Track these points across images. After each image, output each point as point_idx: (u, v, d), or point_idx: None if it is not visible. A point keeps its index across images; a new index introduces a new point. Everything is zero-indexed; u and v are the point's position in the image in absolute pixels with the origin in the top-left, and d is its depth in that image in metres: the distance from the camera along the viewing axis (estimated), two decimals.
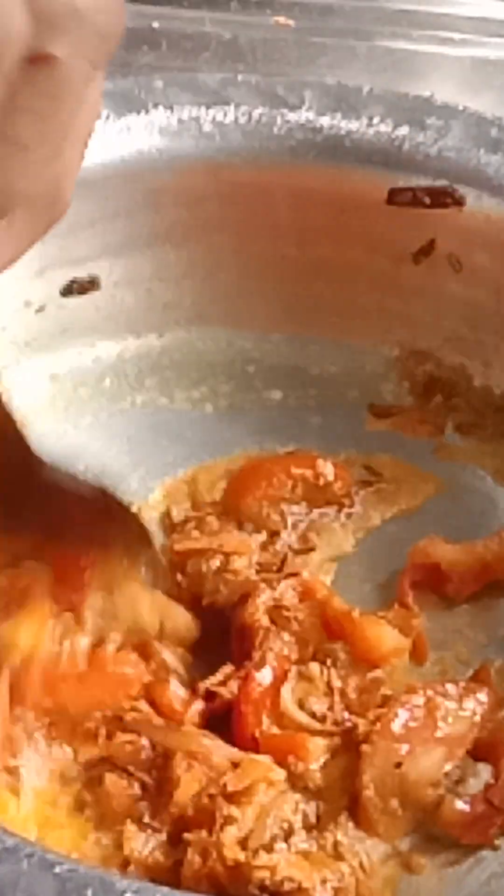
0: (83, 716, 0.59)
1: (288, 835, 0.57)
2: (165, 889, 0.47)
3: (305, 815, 0.58)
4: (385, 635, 0.64)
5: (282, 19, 0.94)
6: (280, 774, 0.58)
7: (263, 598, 0.64)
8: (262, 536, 0.68)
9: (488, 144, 0.69)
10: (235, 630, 0.63)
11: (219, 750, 0.58)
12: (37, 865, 0.45)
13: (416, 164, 0.69)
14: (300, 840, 0.57)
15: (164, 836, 0.57)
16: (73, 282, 0.72)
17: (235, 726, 0.60)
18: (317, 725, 0.61)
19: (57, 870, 0.45)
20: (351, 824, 0.58)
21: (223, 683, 0.61)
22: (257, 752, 0.59)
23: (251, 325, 0.76)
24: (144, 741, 0.59)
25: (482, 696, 0.61)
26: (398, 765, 0.58)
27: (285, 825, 0.57)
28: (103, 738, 0.59)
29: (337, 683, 0.62)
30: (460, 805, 0.58)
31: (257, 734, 0.60)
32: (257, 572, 0.66)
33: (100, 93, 0.40)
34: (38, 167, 0.37)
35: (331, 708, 0.61)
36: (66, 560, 0.60)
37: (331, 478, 0.70)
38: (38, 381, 0.74)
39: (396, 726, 0.59)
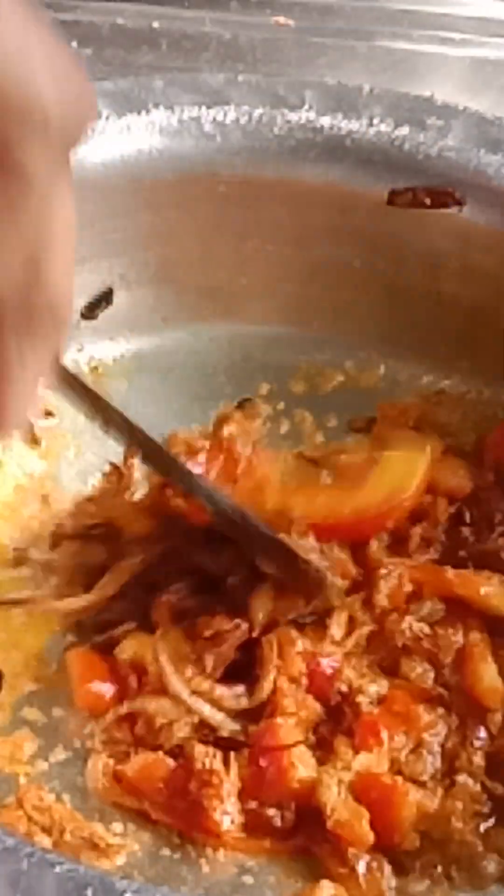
0: None
1: None
2: (165, 889, 0.47)
3: None
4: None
5: (282, 19, 0.94)
6: None
7: None
8: None
9: (488, 144, 0.69)
10: None
11: None
12: (37, 865, 0.45)
13: (416, 164, 0.69)
14: None
15: None
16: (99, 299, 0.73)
17: None
18: None
19: (57, 869, 0.45)
20: None
21: None
22: None
23: (251, 324, 0.76)
24: None
25: None
26: None
27: None
28: None
29: None
30: None
31: None
32: None
33: (69, 184, 0.36)
34: (11, 272, 0.34)
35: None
36: None
37: None
38: None
39: None
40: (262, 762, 0.59)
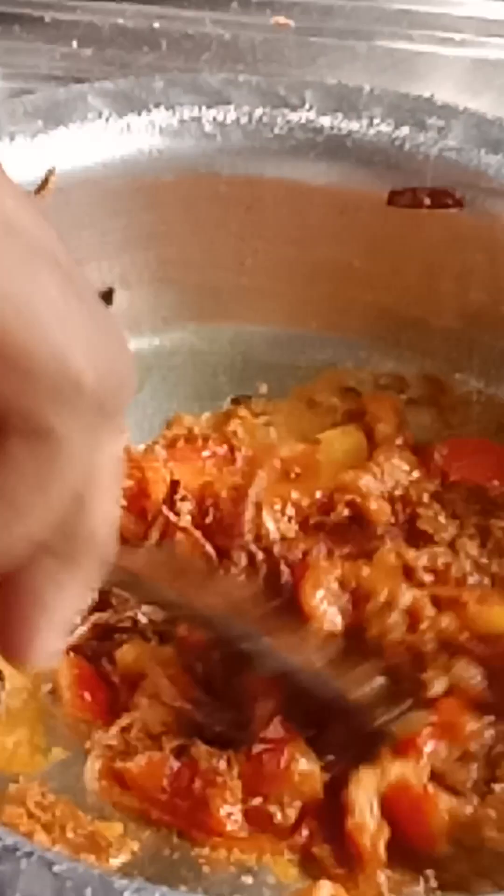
0: None
1: None
2: (164, 888, 0.47)
3: None
4: None
5: (282, 19, 0.94)
6: None
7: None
8: None
9: (489, 145, 0.69)
10: None
11: None
12: (36, 864, 0.45)
13: (416, 164, 0.69)
14: None
15: None
16: None
17: None
18: None
19: (56, 869, 0.45)
20: None
21: None
22: None
23: (252, 324, 0.76)
24: None
25: None
26: None
27: None
28: None
29: None
30: None
31: None
32: None
33: (120, 447, 0.37)
34: (38, 526, 0.35)
35: None
36: None
37: None
38: None
39: None
40: (263, 757, 0.59)
